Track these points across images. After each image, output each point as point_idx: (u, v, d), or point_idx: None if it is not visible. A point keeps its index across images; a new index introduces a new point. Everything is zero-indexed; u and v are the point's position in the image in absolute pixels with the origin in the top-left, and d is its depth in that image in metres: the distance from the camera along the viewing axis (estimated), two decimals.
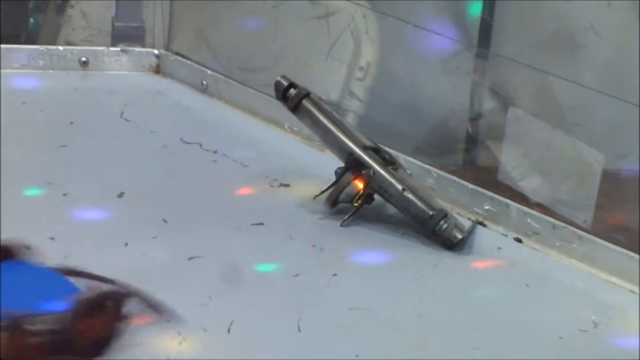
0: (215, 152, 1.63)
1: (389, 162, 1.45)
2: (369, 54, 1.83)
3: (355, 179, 1.43)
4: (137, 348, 1.10)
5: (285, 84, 1.48)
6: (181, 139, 1.66)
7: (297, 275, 1.30)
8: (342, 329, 1.20)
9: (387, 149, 1.50)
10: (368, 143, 1.46)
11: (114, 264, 1.26)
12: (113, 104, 1.77)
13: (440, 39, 1.72)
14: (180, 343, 1.13)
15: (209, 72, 1.86)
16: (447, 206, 1.46)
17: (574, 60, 1.64)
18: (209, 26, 1.96)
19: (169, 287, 1.23)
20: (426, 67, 1.78)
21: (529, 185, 1.58)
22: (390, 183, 1.42)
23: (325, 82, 1.81)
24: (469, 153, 1.78)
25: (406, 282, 1.32)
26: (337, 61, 1.82)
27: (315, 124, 1.47)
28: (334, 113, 1.49)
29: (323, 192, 1.44)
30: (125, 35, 1.98)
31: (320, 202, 1.45)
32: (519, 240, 1.45)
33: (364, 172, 1.42)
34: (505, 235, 1.46)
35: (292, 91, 1.47)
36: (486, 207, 1.49)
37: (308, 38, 1.85)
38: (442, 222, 1.39)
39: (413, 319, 1.23)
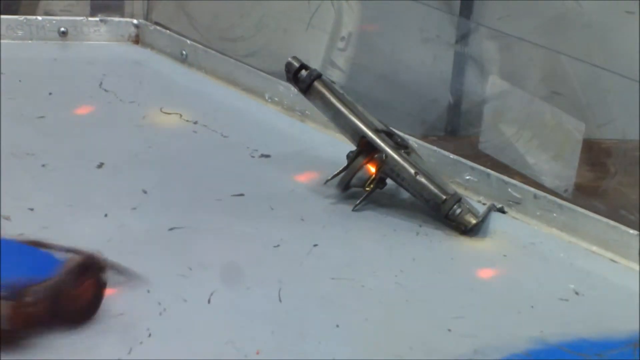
0: (195, 122, 1.62)
1: (401, 146, 1.43)
2: (350, 23, 1.82)
3: (367, 162, 1.40)
4: (117, 318, 1.10)
5: (297, 65, 1.44)
6: (161, 110, 1.65)
7: (278, 245, 1.30)
8: (322, 299, 1.20)
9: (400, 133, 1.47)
10: (380, 126, 1.43)
11: (93, 234, 1.26)
12: (92, 74, 1.76)
13: (421, 7, 1.72)
14: (160, 313, 1.13)
15: (188, 42, 1.85)
16: None
17: (555, 29, 1.64)
18: None
19: (149, 258, 1.23)
20: (407, 36, 1.78)
21: (510, 154, 1.58)
22: (402, 167, 1.39)
23: (306, 51, 1.80)
24: (450, 123, 1.78)
25: (386, 252, 1.32)
26: (318, 30, 1.81)
27: (327, 106, 1.44)
28: (345, 95, 1.45)
29: (335, 176, 1.42)
30: (104, 5, 1.96)
31: (332, 185, 1.43)
32: (501, 210, 1.45)
33: (376, 155, 1.40)
34: (486, 205, 1.46)
35: (304, 72, 1.44)
36: (467, 177, 1.49)
37: (288, 7, 1.84)
38: (455, 206, 1.37)
39: (393, 289, 1.23)
